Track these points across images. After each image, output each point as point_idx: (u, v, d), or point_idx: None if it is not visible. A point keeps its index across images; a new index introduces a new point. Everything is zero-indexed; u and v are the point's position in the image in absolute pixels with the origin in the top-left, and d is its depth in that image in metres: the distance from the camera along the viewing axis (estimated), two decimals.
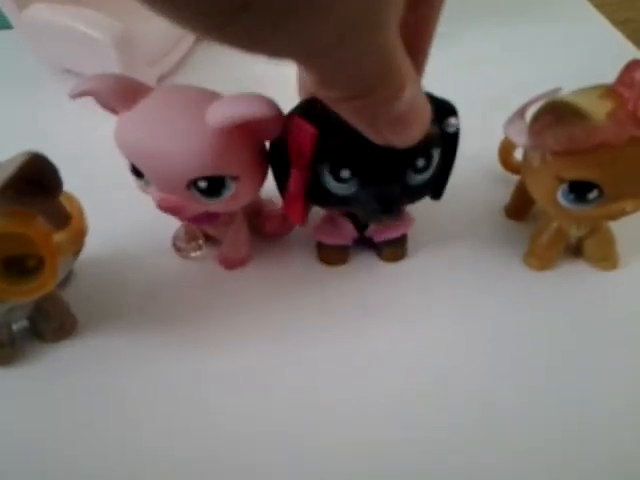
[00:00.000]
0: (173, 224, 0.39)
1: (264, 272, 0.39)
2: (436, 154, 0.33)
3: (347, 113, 0.24)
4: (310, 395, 0.33)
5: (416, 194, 0.34)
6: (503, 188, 0.42)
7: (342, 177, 0.32)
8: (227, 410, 0.32)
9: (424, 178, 0.33)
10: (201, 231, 0.39)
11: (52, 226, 0.29)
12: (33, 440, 0.31)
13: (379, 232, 0.38)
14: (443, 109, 0.32)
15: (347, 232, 0.38)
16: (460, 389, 0.33)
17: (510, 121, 0.34)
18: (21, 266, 0.29)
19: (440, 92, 0.32)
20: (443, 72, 0.45)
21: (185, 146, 0.31)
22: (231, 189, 0.33)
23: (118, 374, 0.34)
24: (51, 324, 0.35)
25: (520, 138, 0.32)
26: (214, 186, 0.32)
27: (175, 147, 0.31)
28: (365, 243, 0.39)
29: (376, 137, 0.25)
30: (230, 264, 0.39)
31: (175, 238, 0.40)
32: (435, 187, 0.35)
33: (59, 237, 0.29)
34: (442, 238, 0.41)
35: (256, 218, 0.40)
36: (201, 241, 0.39)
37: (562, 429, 0.31)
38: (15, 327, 0.35)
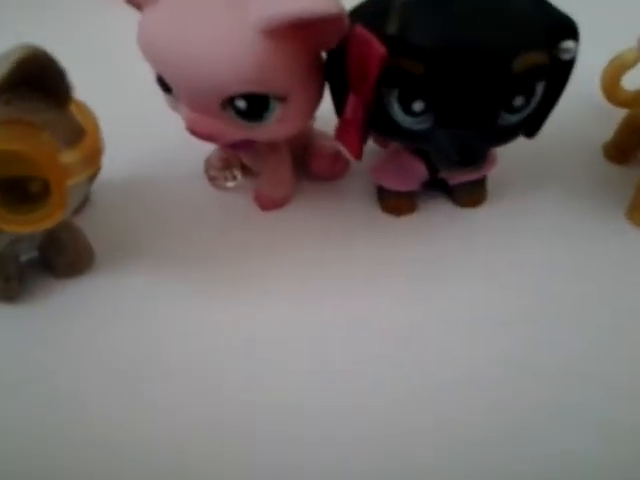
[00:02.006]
0: (206, 148, 0.33)
1: (311, 217, 0.33)
2: (539, 89, 0.26)
3: None
4: (354, 355, 0.28)
5: (506, 137, 0.28)
6: (603, 124, 0.36)
7: (414, 110, 0.26)
8: (252, 362, 0.28)
9: (519, 118, 0.27)
10: (237, 159, 0.34)
11: (60, 143, 0.24)
12: (33, 381, 0.27)
13: (455, 174, 0.32)
14: (559, 27, 0.26)
15: (416, 174, 0.32)
16: (542, 359, 0.27)
17: None
18: (22, 191, 0.24)
19: None
20: None
21: (222, 53, 0.25)
22: (276, 112, 0.27)
23: (135, 317, 0.29)
24: (65, 257, 0.30)
25: None
26: (255, 107, 0.27)
27: (209, 53, 0.25)
28: (436, 185, 0.33)
29: None
30: (266, 203, 0.34)
31: (207, 164, 0.34)
32: (530, 125, 0.29)
33: (69, 157, 0.24)
34: (528, 180, 0.35)
35: (303, 153, 0.34)
36: (236, 170, 0.34)
37: None
38: (24, 258, 0.31)
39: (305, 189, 0.34)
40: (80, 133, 0.25)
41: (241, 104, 0.26)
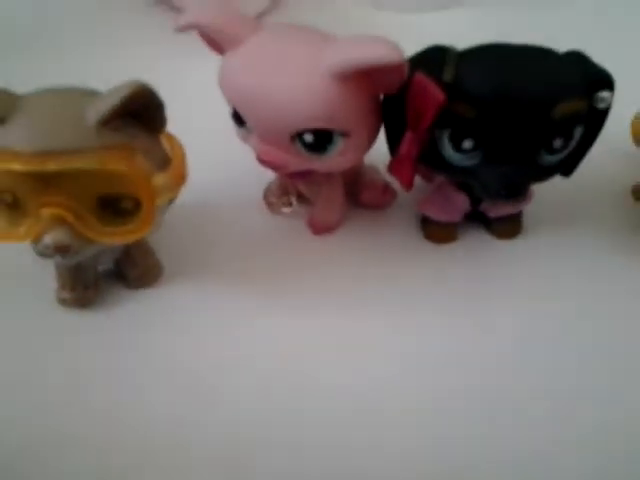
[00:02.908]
0: (267, 177, 0.36)
1: (358, 242, 0.36)
2: (578, 133, 0.29)
3: None
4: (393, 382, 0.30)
5: (545, 174, 0.30)
6: (632, 167, 0.38)
7: (463, 148, 0.29)
8: (307, 377, 0.30)
9: (558, 158, 0.29)
10: (294, 187, 0.37)
11: (152, 167, 0.27)
12: (101, 382, 0.30)
13: (494, 207, 0.34)
14: (597, 80, 0.28)
15: (459, 206, 0.34)
16: (583, 389, 0.29)
17: None
18: (115, 207, 0.28)
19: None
20: (573, 32, 0.41)
21: (297, 93, 0.28)
22: (338, 146, 0.30)
23: (195, 330, 0.32)
24: (137, 270, 0.33)
25: None
26: (321, 141, 0.29)
27: (286, 93, 0.28)
28: (475, 217, 0.36)
29: None
30: (319, 228, 0.36)
31: (267, 191, 0.38)
32: (567, 165, 0.31)
33: (159, 180, 0.27)
34: (560, 217, 0.37)
35: (355, 184, 0.37)
36: (293, 197, 0.37)
37: None
38: (100, 269, 0.34)
39: (354, 216, 0.37)
40: (168, 160, 0.29)
41: (309, 138, 0.29)
